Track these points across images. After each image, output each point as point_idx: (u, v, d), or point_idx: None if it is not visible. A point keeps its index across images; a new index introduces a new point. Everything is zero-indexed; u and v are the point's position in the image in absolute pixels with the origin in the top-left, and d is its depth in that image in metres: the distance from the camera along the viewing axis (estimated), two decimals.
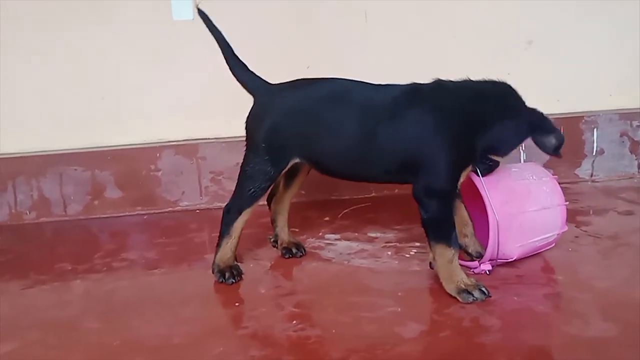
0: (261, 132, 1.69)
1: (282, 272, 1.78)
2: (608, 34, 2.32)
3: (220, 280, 1.70)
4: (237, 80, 1.79)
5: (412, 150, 1.58)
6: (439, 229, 1.58)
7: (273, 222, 1.89)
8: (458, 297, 1.55)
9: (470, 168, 1.61)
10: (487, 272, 1.68)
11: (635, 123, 2.34)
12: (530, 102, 2.32)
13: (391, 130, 1.59)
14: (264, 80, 1.77)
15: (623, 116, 2.34)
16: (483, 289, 1.55)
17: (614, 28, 2.32)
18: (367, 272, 1.75)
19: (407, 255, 1.83)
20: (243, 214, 1.71)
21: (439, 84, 1.63)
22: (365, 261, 1.81)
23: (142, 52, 2.24)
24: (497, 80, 1.63)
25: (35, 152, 2.26)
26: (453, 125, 1.56)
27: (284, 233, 1.89)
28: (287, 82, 1.77)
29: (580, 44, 2.32)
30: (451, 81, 1.64)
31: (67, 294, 1.74)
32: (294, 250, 1.86)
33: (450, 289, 1.57)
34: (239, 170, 1.74)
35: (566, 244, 1.83)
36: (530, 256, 1.74)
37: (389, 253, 1.85)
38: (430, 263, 1.67)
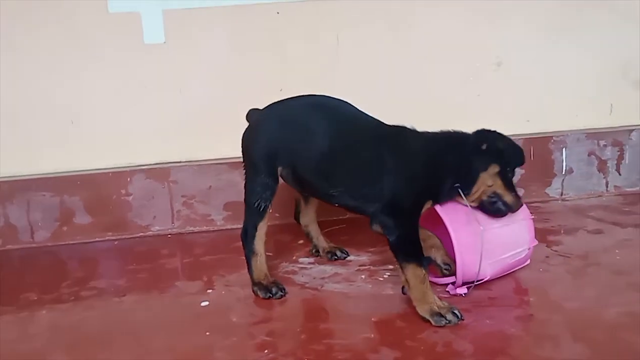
0: (255, 147, 1.79)
1: (254, 299, 1.75)
2: (575, 56, 2.37)
3: (268, 296, 1.73)
4: None
5: (375, 179, 1.67)
6: (407, 249, 1.60)
7: (307, 235, 2.00)
8: (431, 320, 1.55)
9: (430, 202, 1.68)
10: (464, 295, 1.68)
11: (602, 142, 2.38)
12: (500, 123, 2.37)
13: (365, 160, 1.68)
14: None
15: (590, 135, 2.38)
16: (456, 311, 1.55)
17: (580, 50, 2.37)
18: (341, 297, 1.73)
19: (381, 279, 1.83)
20: (259, 228, 1.77)
21: (404, 130, 1.74)
22: (339, 285, 1.80)
23: (113, 75, 2.22)
24: (452, 131, 1.75)
25: (1, 177, 2.21)
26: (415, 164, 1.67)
27: (321, 241, 1.98)
28: (268, 106, 1.86)
29: (548, 65, 2.37)
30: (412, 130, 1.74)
31: (32, 326, 1.69)
32: (338, 253, 1.96)
33: (424, 310, 1.57)
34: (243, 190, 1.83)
35: (537, 264, 1.85)
36: (502, 277, 1.75)
37: (363, 277, 1.84)
38: (402, 287, 1.66)
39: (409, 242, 1.61)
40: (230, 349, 1.51)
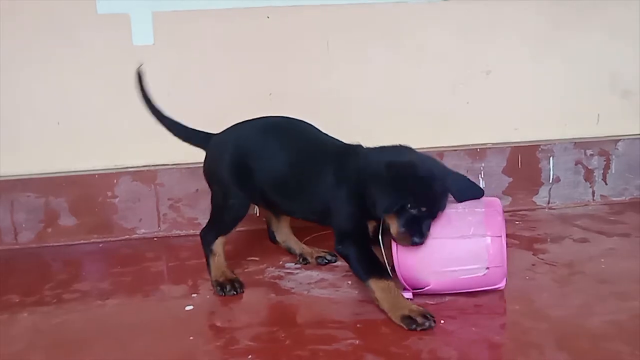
0: (222, 168, 1.82)
1: (239, 303, 1.74)
2: (564, 65, 2.39)
3: (221, 293, 1.76)
4: (183, 140, 1.94)
5: (324, 198, 1.71)
6: (363, 267, 1.65)
7: (289, 250, 2.01)
8: (402, 325, 1.56)
9: (374, 221, 1.68)
10: (410, 299, 1.65)
11: (589, 152, 2.40)
12: (488, 131, 2.40)
13: (311, 178, 1.72)
14: (205, 132, 1.92)
15: (578, 145, 2.40)
16: (427, 314, 1.56)
17: (570, 60, 2.39)
18: (327, 303, 1.72)
19: None
20: (219, 238, 1.84)
21: (352, 149, 1.75)
22: (325, 291, 1.79)
23: (101, 76, 2.20)
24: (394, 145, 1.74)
25: None
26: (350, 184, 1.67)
27: (305, 249, 1.99)
28: (227, 128, 1.89)
29: (537, 75, 2.39)
30: (366, 148, 1.74)
31: (13, 328, 1.66)
32: (329, 257, 1.96)
33: (396, 317, 1.58)
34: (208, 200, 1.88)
35: (523, 272, 1.85)
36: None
37: (349, 282, 1.84)
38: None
39: (362, 260, 1.65)
40: (213, 353, 1.50)
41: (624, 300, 1.67)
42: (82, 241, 2.20)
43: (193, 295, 1.80)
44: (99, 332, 1.62)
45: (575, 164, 2.40)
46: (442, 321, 1.60)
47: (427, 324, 1.54)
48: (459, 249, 1.63)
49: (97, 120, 2.22)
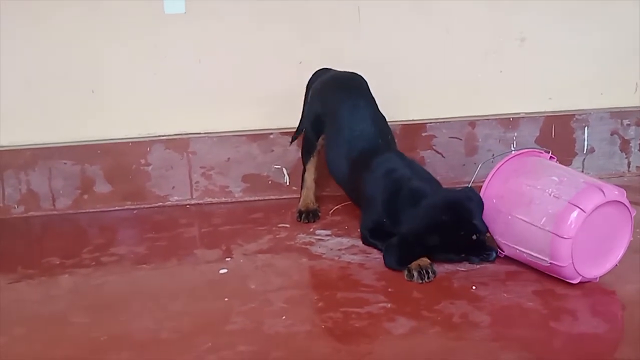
0: (308, 109, 2.06)
1: (272, 268, 1.77)
2: (601, 32, 2.32)
3: (298, 220, 2.03)
4: None
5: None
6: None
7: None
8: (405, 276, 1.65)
9: None
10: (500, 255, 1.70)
11: (625, 122, 2.34)
12: (522, 100, 2.35)
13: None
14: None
15: (614, 115, 2.34)
16: (423, 270, 1.61)
17: (607, 27, 2.32)
18: (358, 268, 1.74)
19: None
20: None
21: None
22: (356, 257, 1.81)
23: (133, 45, 2.22)
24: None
25: (24, 145, 2.23)
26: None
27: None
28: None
29: (572, 42, 2.32)
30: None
31: (54, 289, 1.72)
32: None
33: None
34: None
35: None
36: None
37: None
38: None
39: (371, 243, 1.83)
40: (248, 314, 1.53)
41: None
42: (116, 207, 2.25)
43: (227, 259, 1.83)
44: (137, 293, 1.67)
45: (611, 134, 2.35)
46: (473, 287, 1.61)
47: (419, 279, 1.61)
48: (528, 233, 1.60)
49: (130, 89, 2.25)
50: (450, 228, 1.67)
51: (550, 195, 1.59)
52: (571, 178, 1.62)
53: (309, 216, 2.04)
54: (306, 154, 2.08)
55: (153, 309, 1.58)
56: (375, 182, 1.81)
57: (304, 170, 2.10)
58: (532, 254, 1.61)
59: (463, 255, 1.70)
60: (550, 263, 1.57)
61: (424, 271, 1.62)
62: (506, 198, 1.66)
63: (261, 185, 2.28)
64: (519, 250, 1.65)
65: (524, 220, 1.61)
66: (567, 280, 1.58)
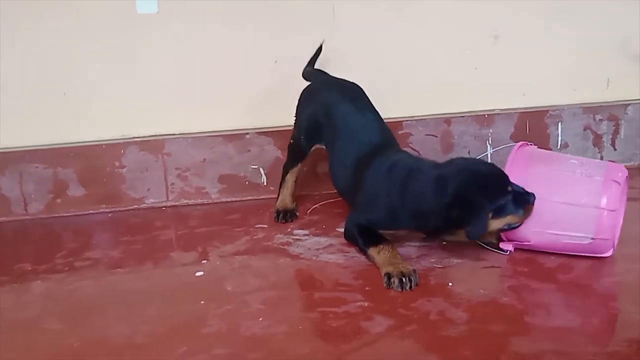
0: (302, 116, 2.03)
1: (249, 269, 1.76)
2: (574, 29, 2.34)
3: (275, 220, 2.03)
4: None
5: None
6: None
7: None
8: (384, 281, 1.61)
9: None
10: (508, 252, 1.72)
11: (598, 117, 2.38)
12: (496, 96, 2.37)
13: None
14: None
15: (587, 110, 2.37)
16: (405, 278, 1.58)
17: (579, 24, 2.35)
18: (335, 267, 1.74)
19: None
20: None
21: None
22: (334, 256, 1.80)
23: (105, 46, 2.19)
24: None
25: None
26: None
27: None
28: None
29: (546, 39, 2.35)
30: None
31: (26, 295, 1.69)
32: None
33: (382, 273, 1.64)
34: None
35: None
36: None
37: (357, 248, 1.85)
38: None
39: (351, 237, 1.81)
40: (224, 316, 1.52)
41: (632, 263, 1.67)
42: (91, 211, 2.21)
43: (203, 261, 1.82)
44: (112, 298, 1.65)
45: (584, 129, 2.38)
46: (450, 284, 1.62)
47: (399, 287, 1.58)
48: (566, 215, 1.61)
49: (103, 90, 2.21)
50: (490, 177, 1.62)
51: (581, 175, 1.64)
52: (586, 159, 1.77)
53: (286, 216, 2.03)
54: (294, 161, 2.04)
55: (128, 313, 1.56)
56: (380, 177, 1.74)
57: (286, 173, 2.07)
58: (571, 234, 1.62)
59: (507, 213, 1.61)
60: (593, 239, 1.61)
61: (407, 279, 1.59)
62: (533, 184, 1.64)
63: (238, 186, 2.26)
64: (554, 234, 1.63)
65: (563, 202, 1.62)
66: (599, 255, 1.65)
